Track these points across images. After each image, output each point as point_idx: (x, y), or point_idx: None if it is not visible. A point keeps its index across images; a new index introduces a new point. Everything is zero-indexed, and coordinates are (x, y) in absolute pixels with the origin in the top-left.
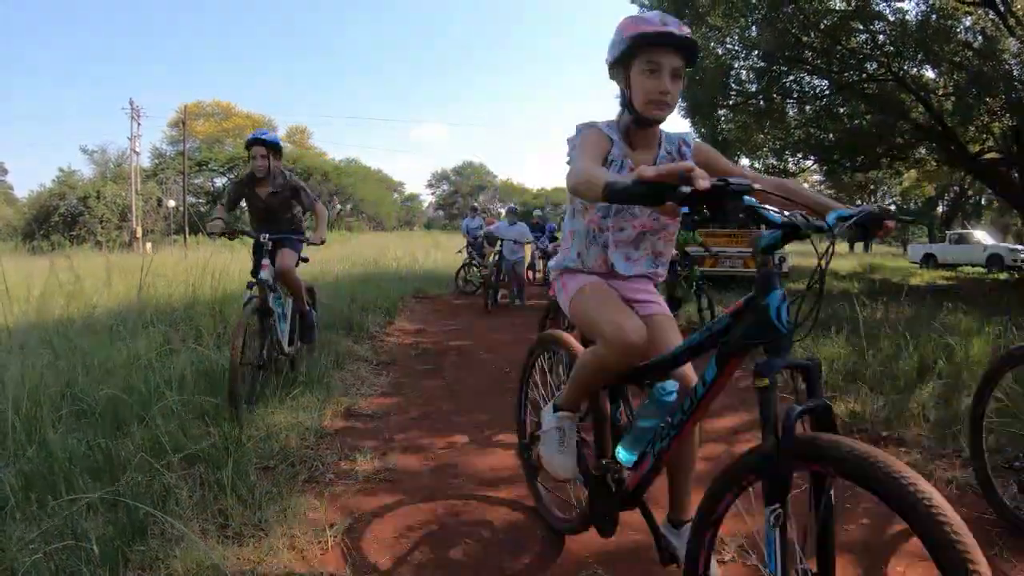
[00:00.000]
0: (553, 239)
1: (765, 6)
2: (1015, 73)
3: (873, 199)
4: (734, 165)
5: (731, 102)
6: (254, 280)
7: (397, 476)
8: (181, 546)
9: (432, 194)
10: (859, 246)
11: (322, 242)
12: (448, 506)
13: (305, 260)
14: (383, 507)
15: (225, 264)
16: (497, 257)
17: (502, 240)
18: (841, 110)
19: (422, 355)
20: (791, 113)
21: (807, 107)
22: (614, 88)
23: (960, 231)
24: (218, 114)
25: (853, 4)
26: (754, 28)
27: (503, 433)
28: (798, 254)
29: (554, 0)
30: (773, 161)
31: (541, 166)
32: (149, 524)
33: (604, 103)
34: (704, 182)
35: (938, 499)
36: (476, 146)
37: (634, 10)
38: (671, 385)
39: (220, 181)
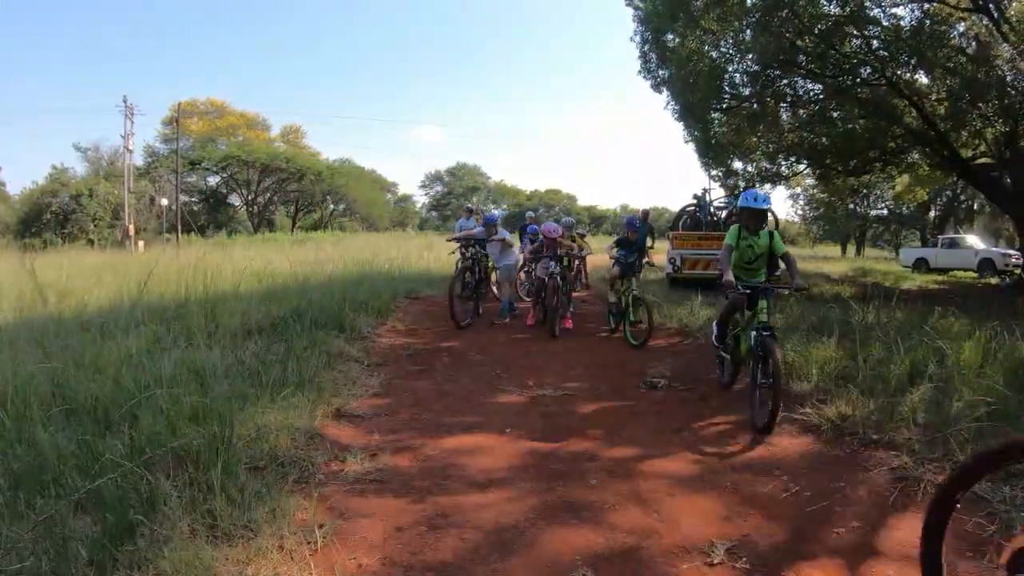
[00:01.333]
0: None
1: (759, 10)
2: (1008, 79)
3: (866, 203)
4: None
5: (725, 105)
6: None
7: (387, 477)
8: (170, 546)
9: (426, 195)
10: (851, 249)
11: None
12: (437, 507)
13: None
14: (373, 508)
15: (218, 263)
16: (468, 262)
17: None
18: (834, 114)
19: (414, 356)
20: (784, 117)
21: (800, 111)
22: (613, 88)
23: (952, 236)
24: (212, 113)
25: (847, 9)
26: (748, 32)
27: (493, 434)
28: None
29: (553, 1)
30: (766, 165)
31: (538, 167)
32: (137, 524)
33: (603, 103)
34: None
35: None
36: (472, 147)
37: (628, 13)
38: None
39: (213, 180)
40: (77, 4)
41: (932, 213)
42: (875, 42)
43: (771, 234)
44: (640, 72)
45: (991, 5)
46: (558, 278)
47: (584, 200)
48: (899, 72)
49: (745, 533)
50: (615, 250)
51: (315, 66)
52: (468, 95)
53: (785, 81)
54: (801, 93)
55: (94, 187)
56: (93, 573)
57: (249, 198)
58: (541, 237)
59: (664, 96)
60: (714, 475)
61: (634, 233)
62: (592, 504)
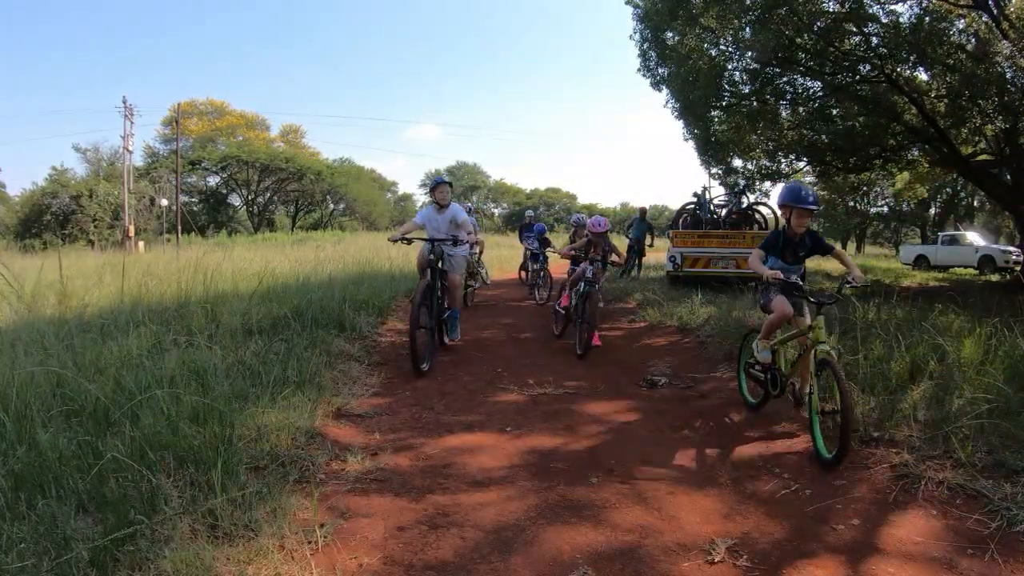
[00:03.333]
0: (545, 242)
1: (759, 7)
2: (1008, 76)
3: (866, 200)
4: None
5: (724, 103)
6: None
7: (388, 476)
8: (171, 546)
9: (426, 194)
10: (851, 247)
11: None
12: (438, 506)
13: None
14: (374, 507)
15: (218, 263)
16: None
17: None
18: (834, 112)
19: None
20: (784, 114)
21: (800, 108)
22: (613, 88)
23: (952, 233)
24: (211, 113)
25: (847, 6)
26: (747, 30)
27: (494, 433)
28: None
29: (552, 1)
30: (766, 162)
31: (538, 166)
32: (138, 524)
33: (603, 103)
34: None
35: None
36: (472, 147)
37: (628, 12)
38: None
39: (213, 180)
40: (76, 5)
41: (932, 210)
42: (874, 39)
43: None
44: (639, 70)
45: (990, 2)
46: (596, 286)
47: (584, 198)
48: (899, 69)
49: (745, 531)
50: (766, 261)
51: (314, 66)
52: (468, 94)
53: (785, 79)
54: (801, 90)
55: (94, 188)
56: (94, 573)
57: (249, 198)
58: (588, 234)
59: (664, 94)
60: (714, 473)
61: (804, 218)
62: (592, 502)
